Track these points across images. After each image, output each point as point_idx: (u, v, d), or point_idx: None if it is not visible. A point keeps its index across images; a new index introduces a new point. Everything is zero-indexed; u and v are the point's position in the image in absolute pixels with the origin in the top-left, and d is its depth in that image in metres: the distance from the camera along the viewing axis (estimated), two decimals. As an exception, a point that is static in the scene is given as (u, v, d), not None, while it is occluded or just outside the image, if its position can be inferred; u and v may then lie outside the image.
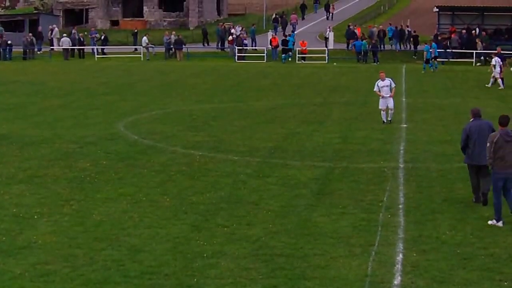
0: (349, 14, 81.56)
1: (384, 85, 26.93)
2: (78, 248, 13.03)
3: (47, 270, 11.95)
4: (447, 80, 43.46)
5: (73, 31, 61.65)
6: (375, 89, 27.16)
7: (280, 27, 68.23)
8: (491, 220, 14.69)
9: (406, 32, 61.28)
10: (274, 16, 72.22)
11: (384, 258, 12.59)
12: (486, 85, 40.09)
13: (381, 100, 27.05)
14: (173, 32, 60.02)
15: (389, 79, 27.22)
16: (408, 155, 21.55)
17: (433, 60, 48.92)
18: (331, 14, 79.23)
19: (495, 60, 39.85)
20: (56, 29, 63.32)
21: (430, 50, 48.78)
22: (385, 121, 27.15)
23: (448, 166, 18.85)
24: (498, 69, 39.41)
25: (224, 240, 13.51)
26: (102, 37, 60.17)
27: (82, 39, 59.76)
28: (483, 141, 15.34)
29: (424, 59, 49.21)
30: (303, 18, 79.57)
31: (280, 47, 56.82)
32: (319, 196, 16.82)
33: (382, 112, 27.25)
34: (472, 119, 16.28)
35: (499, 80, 39.57)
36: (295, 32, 66.30)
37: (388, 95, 26.90)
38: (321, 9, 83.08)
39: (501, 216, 14.65)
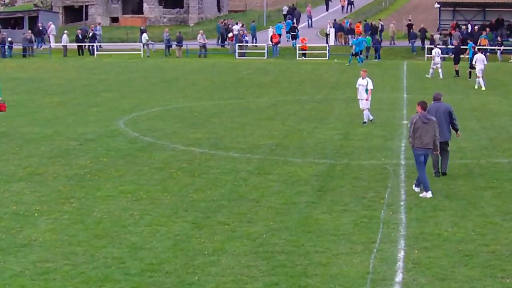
0: (351, 9, 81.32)
1: (361, 84, 26.29)
2: (79, 246, 12.99)
3: (47, 268, 11.91)
4: (449, 76, 43.35)
5: (97, 27, 61.88)
6: (357, 85, 26.68)
7: (295, 20, 68.06)
8: (421, 193, 16.30)
9: (380, 27, 61.10)
10: (286, 9, 72.06)
11: (386, 255, 12.55)
12: (440, 77, 42.08)
13: (360, 101, 26.56)
14: (201, 31, 59.04)
15: (368, 79, 26.30)
16: (409, 152, 21.37)
17: (360, 54, 50.68)
18: (343, 6, 79.66)
19: (435, 52, 43.02)
20: (53, 26, 63.25)
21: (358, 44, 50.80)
22: (366, 121, 26.34)
23: (450, 162, 18.77)
24: (437, 60, 42.53)
25: (225, 238, 13.47)
26: (90, 34, 59.98)
27: (80, 36, 59.72)
28: (441, 120, 17.74)
29: (353, 52, 50.75)
30: (327, 10, 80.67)
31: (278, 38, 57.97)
32: (320, 193, 16.78)
33: (363, 112, 26.51)
34: (433, 102, 18.40)
35: (431, 70, 42.72)
36: (313, 20, 71.47)
37: (364, 98, 26.08)
38: (331, 2, 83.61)
39: (429, 186, 16.31)
